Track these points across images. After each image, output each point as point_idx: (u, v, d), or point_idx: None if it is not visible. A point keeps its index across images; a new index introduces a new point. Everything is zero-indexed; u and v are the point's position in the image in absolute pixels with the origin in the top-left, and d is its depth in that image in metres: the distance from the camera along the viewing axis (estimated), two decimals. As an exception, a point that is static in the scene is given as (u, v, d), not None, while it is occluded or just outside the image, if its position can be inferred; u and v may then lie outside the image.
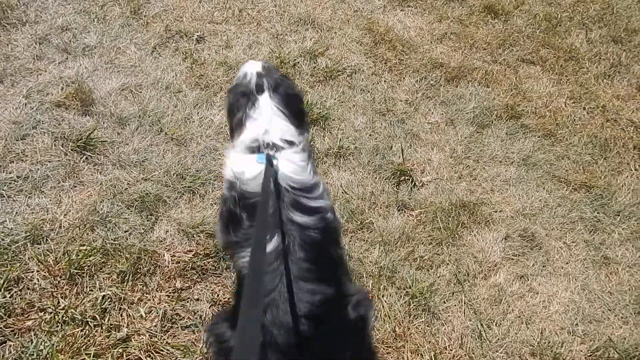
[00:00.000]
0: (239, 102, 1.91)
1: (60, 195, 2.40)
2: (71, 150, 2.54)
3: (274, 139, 1.81)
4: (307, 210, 1.73)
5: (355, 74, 3.20)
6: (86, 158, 2.53)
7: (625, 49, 3.84)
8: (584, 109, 3.32)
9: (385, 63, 3.30)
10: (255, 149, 1.80)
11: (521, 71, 3.45)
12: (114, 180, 2.48)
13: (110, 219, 2.34)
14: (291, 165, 1.77)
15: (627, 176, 2.96)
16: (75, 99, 2.71)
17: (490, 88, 3.29)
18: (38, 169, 2.45)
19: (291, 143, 1.83)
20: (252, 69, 1.96)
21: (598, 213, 2.76)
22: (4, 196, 2.34)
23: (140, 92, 2.84)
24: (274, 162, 1.74)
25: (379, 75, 3.23)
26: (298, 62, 3.17)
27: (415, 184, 2.74)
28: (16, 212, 2.30)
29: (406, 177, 2.75)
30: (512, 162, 2.94)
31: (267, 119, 1.85)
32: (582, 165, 3.00)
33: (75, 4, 3.19)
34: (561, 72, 3.51)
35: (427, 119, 3.06)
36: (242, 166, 1.78)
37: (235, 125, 1.93)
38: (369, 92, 3.12)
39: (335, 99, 3.02)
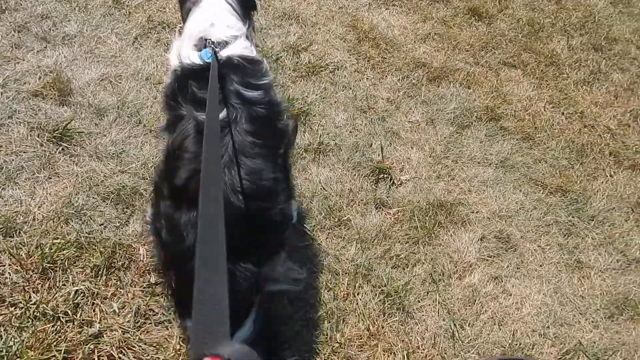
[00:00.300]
0: None
1: (34, 187, 2.36)
2: (47, 141, 2.50)
3: (220, 34, 1.87)
4: (253, 86, 1.80)
5: (338, 70, 3.20)
6: (62, 149, 2.49)
7: (605, 57, 3.90)
8: (563, 114, 3.37)
9: (368, 61, 3.30)
10: (201, 44, 1.85)
11: (502, 74, 3.49)
12: (90, 172, 2.44)
13: (85, 211, 2.31)
14: (237, 50, 1.85)
15: (602, 182, 3.02)
16: (53, 88, 2.66)
17: (472, 90, 3.32)
18: (12, 160, 2.41)
19: (236, 37, 1.89)
20: None
21: (573, 217, 2.81)
22: (-25, 186, 2.30)
23: (120, 82, 2.80)
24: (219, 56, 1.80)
25: (361, 72, 3.24)
26: (281, 57, 3.16)
27: (393, 182, 2.75)
28: (-12, 204, 2.26)
29: (385, 175, 2.76)
30: (490, 164, 2.97)
31: (213, 10, 1.93)
32: (558, 170, 3.04)
33: (55, -8, 3.13)
34: (541, 76, 3.56)
35: (407, 117, 3.07)
36: (188, 54, 1.84)
37: (184, 14, 2.05)
38: (351, 89, 3.12)
39: (317, 95, 3.02)
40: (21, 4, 3.02)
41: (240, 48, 1.88)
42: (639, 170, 3.14)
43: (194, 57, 1.82)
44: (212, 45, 1.80)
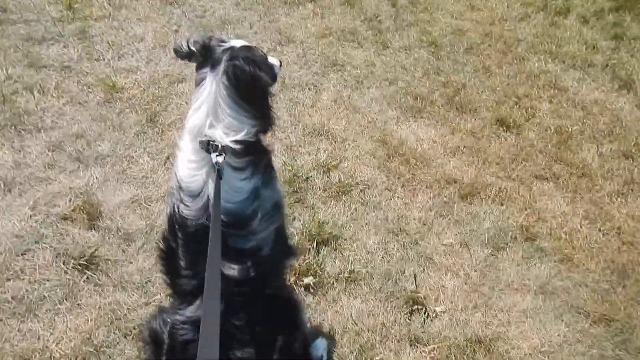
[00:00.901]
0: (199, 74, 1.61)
1: (54, 320, 2.28)
2: (72, 268, 2.45)
3: (220, 136, 1.54)
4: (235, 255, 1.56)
5: (369, 189, 3.16)
6: (87, 277, 2.43)
7: (637, 164, 3.81)
8: (600, 230, 3.24)
9: (398, 178, 3.26)
10: (203, 146, 1.54)
11: (535, 188, 3.41)
12: (114, 304, 2.36)
13: (104, 349, 2.20)
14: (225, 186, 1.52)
15: (648, 308, 2.83)
16: (82, 211, 2.64)
17: (505, 206, 3.23)
18: (35, 289, 2.35)
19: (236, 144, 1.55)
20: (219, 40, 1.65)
21: (620, 350, 2.61)
22: (-5, 320, 2.23)
23: (150, 205, 2.78)
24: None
25: (392, 190, 3.19)
26: (311, 176, 3.14)
27: (428, 314, 2.61)
28: (5, 339, 2.17)
29: (419, 307, 2.62)
30: (529, 290, 2.82)
31: (211, 103, 1.54)
32: (600, 294, 2.87)
33: (92, 110, 3.21)
34: (574, 189, 3.47)
35: (441, 240, 2.98)
36: (185, 171, 1.58)
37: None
38: (381, 209, 3.06)
39: (347, 217, 2.96)
40: (57, 123, 3.09)
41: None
42: (687, 296, 2.95)
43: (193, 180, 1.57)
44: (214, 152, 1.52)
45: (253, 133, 1.60)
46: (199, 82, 1.59)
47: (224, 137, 1.54)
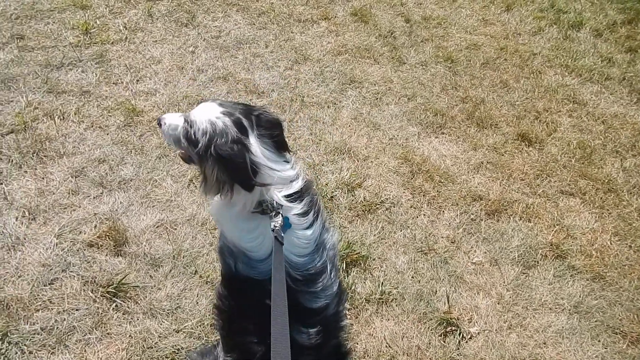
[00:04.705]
0: (235, 154, 1.51)
1: (85, 351, 2.22)
2: (100, 296, 2.40)
3: (274, 195, 1.55)
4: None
5: (394, 207, 3.11)
6: (116, 305, 2.38)
7: (663, 179, 3.76)
8: (630, 247, 3.18)
9: (423, 195, 3.22)
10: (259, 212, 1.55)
11: (561, 204, 3.36)
12: (144, 332, 2.31)
13: (138, 380, 2.15)
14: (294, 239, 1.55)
15: (687, 328, 2.76)
16: (109, 238, 2.60)
17: (532, 223, 3.18)
18: (64, 319, 2.30)
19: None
20: (211, 113, 1.55)
21: (660, 371, 2.54)
22: (24, 352, 2.17)
23: (176, 229, 2.74)
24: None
25: (417, 208, 3.14)
26: (335, 195, 3.09)
27: (463, 335, 2.54)
28: (37, 373, 2.12)
29: (453, 328, 2.56)
30: (563, 310, 2.75)
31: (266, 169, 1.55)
32: (636, 314, 2.80)
33: (113, 135, 3.18)
34: (602, 205, 3.41)
35: (470, 258, 2.92)
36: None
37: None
38: (408, 227, 3.01)
39: (375, 236, 2.91)
40: (79, 148, 3.06)
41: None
42: None
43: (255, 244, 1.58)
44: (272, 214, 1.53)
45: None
46: None
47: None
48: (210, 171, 1.55)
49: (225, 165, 1.49)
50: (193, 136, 1.53)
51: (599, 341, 2.65)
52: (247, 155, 1.49)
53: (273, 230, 1.49)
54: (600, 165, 3.74)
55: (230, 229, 1.65)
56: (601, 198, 3.46)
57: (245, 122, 1.56)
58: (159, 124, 1.66)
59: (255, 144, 1.54)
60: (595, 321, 2.74)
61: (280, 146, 1.63)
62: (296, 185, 1.60)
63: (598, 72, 4.55)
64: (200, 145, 1.52)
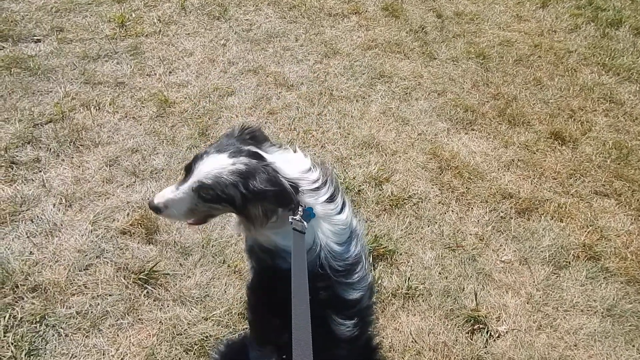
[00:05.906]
0: (273, 183, 1.49)
1: (118, 335, 2.28)
2: (132, 282, 2.46)
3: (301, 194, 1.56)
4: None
5: (422, 202, 3.09)
6: (147, 292, 2.44)
7: (702, 182, 3.63)
8: (667, 250, 3.09)
9: (452, 191, 3.18)
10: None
11: (595, 205, 3.28)
12: (174, 319, 2.35)
13: (167, 365, 2.19)
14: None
15: None
16: (141, 226, 2.66)
17: (564, 223, 3.11)
18: (98, 304, 2.36)
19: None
20: (222, 163, 1.51)
21: (696, 378, 2.46)
22: (61, 335, 2.24)
23: (205, 219, 2.78)
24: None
25: (446, 204, 3.11)
26: (363, 189, 3.09)
27: (490, 334, 2.51)
28: (72, 355, 2.19)
29: (481, 326, 2.53)
30: (596, 312, 2.69)
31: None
32: (672, 319, 2.72)
33: (146, 125, 3.25)
34: (638, 207, 3.31)
35: (499, 256, 2.88)
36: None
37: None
38: (436, 223, 2.98)
39: (402, 231, 2.89)
40: (113, 138, 3.13)
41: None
42: None
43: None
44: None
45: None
46: None
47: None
48: (256, 210, 1.51)
49: (269, 197, 1.47)
50: (223, 194, 1.48)
51: (633, 346, 2.58)
52: (280, 177, 1.49)
53: (291, 222, 1.48)
54: (637, 166, 3.63)
55: (266, 239, 1.63)
56: (638, 200, 3.36)
57: (253, 149, 1.56)
58: (157, 211, 1.58)
59: (275, 160, 1.55)
60: (630, 325, 2.66)
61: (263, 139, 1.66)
62: (315, 174, 1.59)
63: (637, 72, 4.42)
64: (236, 197, 1.48)
